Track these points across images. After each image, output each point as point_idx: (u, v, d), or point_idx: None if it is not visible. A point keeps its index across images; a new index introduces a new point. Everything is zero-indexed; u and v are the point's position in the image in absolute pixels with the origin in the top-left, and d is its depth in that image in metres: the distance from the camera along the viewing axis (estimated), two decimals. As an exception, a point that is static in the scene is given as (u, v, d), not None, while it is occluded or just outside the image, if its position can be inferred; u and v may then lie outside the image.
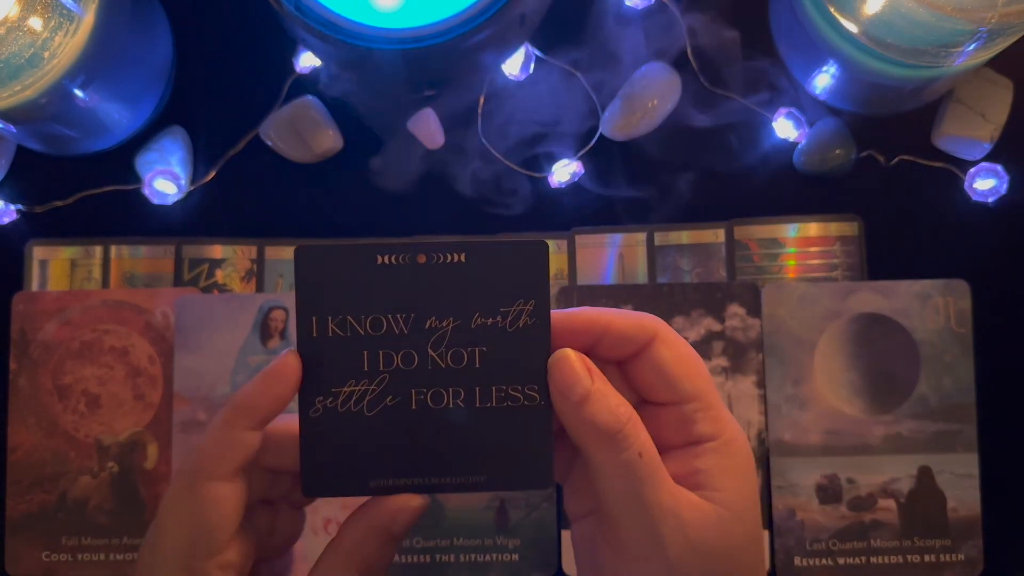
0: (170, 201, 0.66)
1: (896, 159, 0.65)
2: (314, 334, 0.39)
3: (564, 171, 0.65)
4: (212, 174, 0.66)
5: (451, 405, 0.39)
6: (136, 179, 0.66)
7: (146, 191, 0.65)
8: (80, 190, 0.66)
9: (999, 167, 0.64)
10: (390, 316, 0.39)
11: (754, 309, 0.63)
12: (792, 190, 0.65)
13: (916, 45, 0.54)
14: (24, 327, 0.64)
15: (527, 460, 0.40)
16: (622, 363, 0.41)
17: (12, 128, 0.61)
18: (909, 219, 0.65)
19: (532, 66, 0.65)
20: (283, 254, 0.66)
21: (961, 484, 0.62)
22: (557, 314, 0.40)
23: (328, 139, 0.65)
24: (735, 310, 0.63)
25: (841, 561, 0.62)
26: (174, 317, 0.64)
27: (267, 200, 0.66)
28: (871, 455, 0.62)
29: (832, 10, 0.56)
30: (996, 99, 0.65)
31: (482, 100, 0.66)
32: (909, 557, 0.62)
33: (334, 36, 0.55)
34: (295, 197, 0.66)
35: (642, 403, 0.40)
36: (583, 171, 0.65)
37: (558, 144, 0.65)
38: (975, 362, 0.63)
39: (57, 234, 0.66)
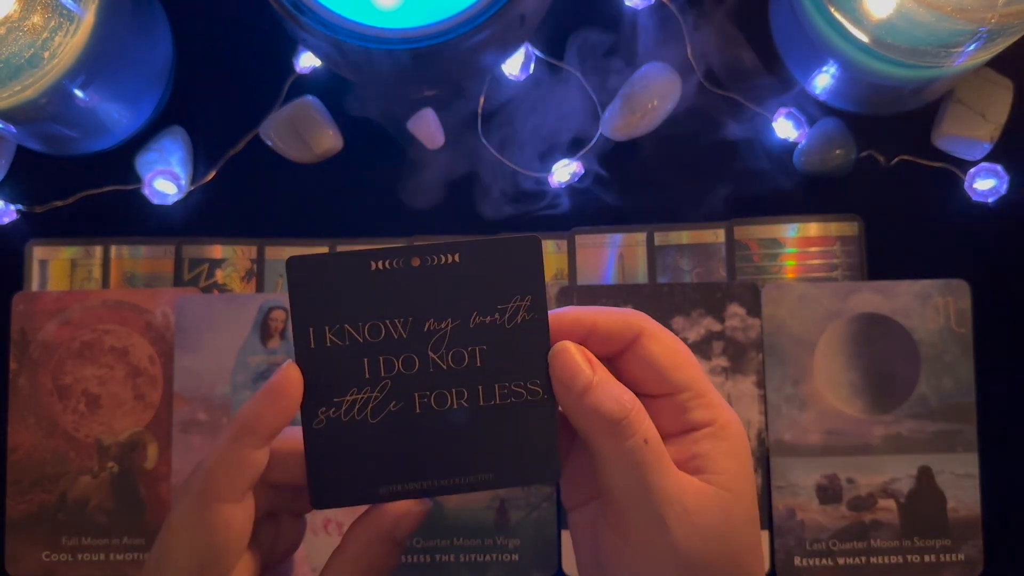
0: (170, 201, 0.66)
1: (896, 159, 0.65)
2: (312, 345, 0.39)
3: (564, 171, 0.65)
4: (212, 174, 0.66)
5: (455, 406, 0.39)
6: (136, 179, 0.66)
7: (146, 191, 0.65)
8: (80, 190, 0.66)
9: (999, 167, 0.64)
10: (388, 321, 0.39)
11: (754, 309, 0.63)
12: (792, 190, 0.65)
13: (916, 45, 0.54)
14: (24, 327, 0.64)
15: (534, 454, 0.40)
16: (612, 359, 0.41)
17: (12, 128, 0.61)
18: (909, 219, 0.65)
19: (532, 66, 0.65)
20: (283, 254, 0.66)
21: (961, 484, 0.62)
22: None
23: (328, 139, 0.65)
24: (735, 310, 0.64)
25: (841, 561, 0.62)
26: (174, 317, 0.64)
27: (267, 200, 0.66)
28: (871, 455, 0.62)
29: (832, 10, 0.56)
30: (996, 99, 0.65)
31: (482, 100, 0.66)
32: (909, 557, 0.62)
33: (334, 36, 0.55)
34: (295, 197, 0.66)
35: (635, 396, 0.41)
36: (583, 171, 0.65)
37: (558, 144, 0.65)
38: (975, 362, 0.63)
39: (57, 234, 0.66)
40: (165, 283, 0.65)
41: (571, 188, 0.65)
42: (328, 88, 0.66)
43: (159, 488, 0.63)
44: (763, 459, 0.63)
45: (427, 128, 0.66)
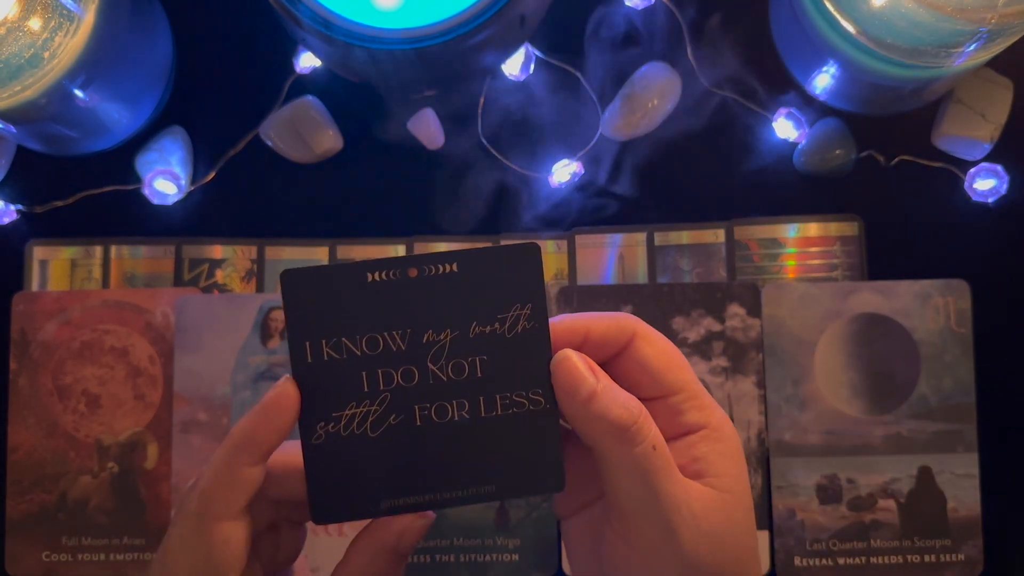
0: (170, 201, 0.66)
1: (896, 159, 0.65)
2: (309, 359, 0.38)
3: (564, 171, 0.65)
4: (212, 174, 0.66)
5: (456, 417, 0.39)
6: (136, 179, 0.66)
7: (146, 191, 0.65)
8: (80, 190, 0.66)
9: (999, 167, 0.64)
10: (386, 334, 0.39)
11: (754, 309, 0.63)
12: (792, 190, 0.65)
13: (916, 45, 0.54)
14: (24, 327, 0.64)
15: (538, 465, 0.39)
16: (605, 364, 0.41)
17: (12, 128, 0.61)
18: (909, 219, 0.65)
19: (532, 66, 0.65)
20: (283, 254, 0.66)
21: (961, 484, 0.62)
22: None
23: (328, 139, 0.65)
24: (735, 310, 0.64)
25: (841, 561, 0.62)
26: (174, 317, 0.64)
27: (267, 200, 0.66)
28: (871, 455, 0.62)
29: (832, 10, 0.56)
30: (996, 99, 0.65)
31: (482, 100, 0.66)
32: (909, 557, 0.62)
33: (334, 36, 0.55)
34: (295, 197, 0.66)
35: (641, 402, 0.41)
36: (583, 171, 0.65)
37: (558, 144, 0.65)
38: (975, 362, 0.63)
39: (57, 234, 0.66)
40: (165, 283, 0.65)
41: (571, 188, 0.65)
42: (328, 88, 0.66)
43: (159, 488, 0.63)
44: (763, 459, 0.63)
45: (427, 128, 0.66)
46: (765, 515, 0.62)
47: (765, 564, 0.62)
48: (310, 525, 0.42)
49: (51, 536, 0.63)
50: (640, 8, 0.65)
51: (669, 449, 0.39)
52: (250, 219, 0.66)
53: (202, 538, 0.38)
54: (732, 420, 0.62)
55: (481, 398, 0.39)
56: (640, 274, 0.65)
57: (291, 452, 0.40)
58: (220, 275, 0.65)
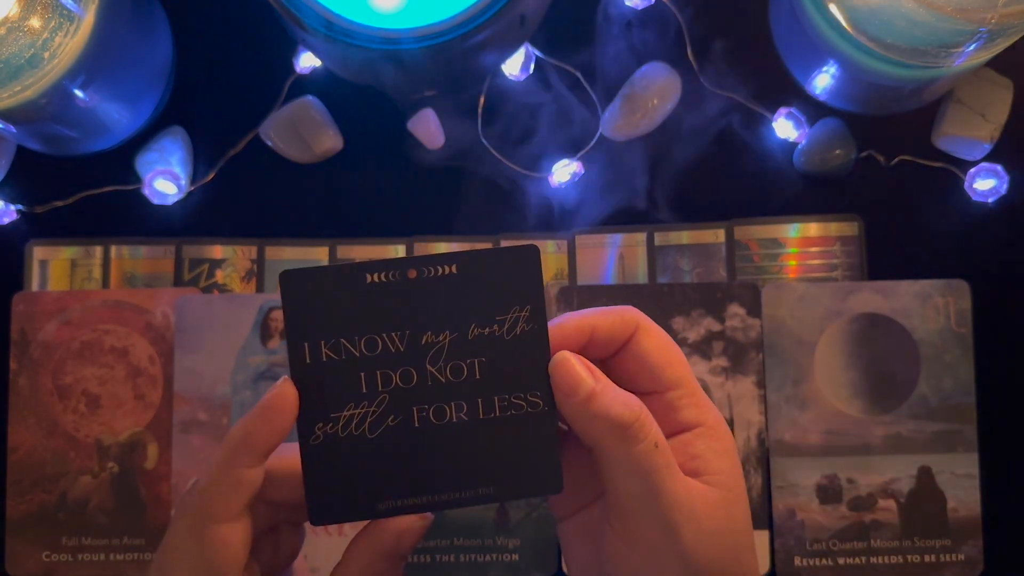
0: (170, 201, 0.66)
1: (896, 159, 0.65)
2: (307, 360, 0.38)
3: (564, 171, 0.65)
4: (212, 174, 0.66)
5: (454, 419, 0.39)
6: (136, 179, 0.66)
7: (146, 191, 0.65)
8: (80, 190, 0.66)
9: (999, 167, 0.64)
10: (385, 335, 0.39)
11: (754, 309, 0.63)
12: (792, 190, 0.65)
13: (916, 45, 0.54)
14: (24, 327, 0.64)
15: (536, 467, 0.39)
16: (606, 360, 0.41)
17: (12, 128, 0.61)
18: (909, 219, 0.65)
19: (532, 66, 0.65)
20: (283, 254, 0.66)
21: (961, 484, 0.62)
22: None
23: (328, 139, 0.65)
24: (735, 310, 0.63)
25: (841, 561, 0.62)
26: (174, 317, 0.64)
27: (267, 200, 0.66)
28: (871, 455, 0.62)
29: (832, 10, 0.56)
30: (996, 99, 0.65)
31: (482, 100, 0.66)
32: (909, 557, 0.62)
33: (334, 37, 0.55)
34: (295, 197, 0.66)
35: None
36: (583, 171, 0.65)
37: (558, 144, 0.65)
38: (975, 362, 0.63)
39: (57, 234, 0.66)
40: (165, 283, 0.65)
41: (571, 188, 0.65)
42: (328, 88, 0.66)
43: (159, 488, 0.63)
44: (763, 459, 0.63)
45: (427, 128, 0.66)
46: (765, 515, 0.62)
47: (765, 564, 0.62)
48: (309, 525, 0.42)
49: (51, 536, 0.63)
50: (640, 8, 0.65)
51: None
52: (250, 219, 0.66)
53: (201, 540, 0.38)
54: (732, 420, 0.62)
55: (479, 400, 0.39)
56: (640, 274, 0.65)
57: (290, 453, 0.40)
58: (220, 275, 0.65)
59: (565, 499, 0.42)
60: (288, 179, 0.66)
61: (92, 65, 0.57)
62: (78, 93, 0.58)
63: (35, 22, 0.54)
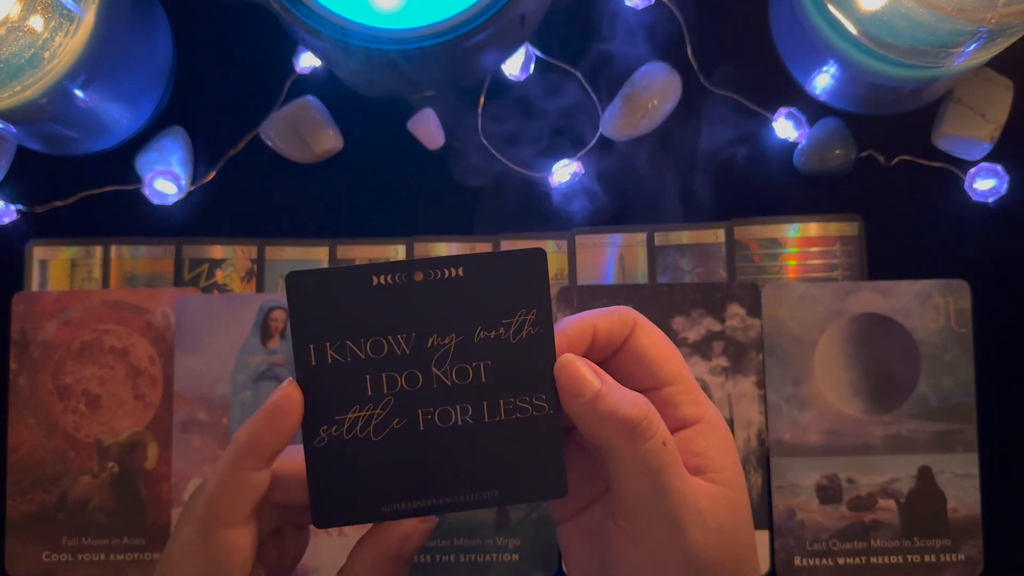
0: (170, 201, 0.66)
1: (896, 159, 0.65)
2: (313, 362, 0.38)
3: (564, 171, 0.65)
4: (212, 174, 0.66)
5: (459, 422, 0.39)
6: (136, 179, 0.66)
7: (146, 191, 0.65)
8: (80, 190, 0.66)
9: (999, 167, 0.64)
10: (390, 337, 0.38)
11: (754, 309, 0.63)
12: (792, 190, 0.65)
13: (916, 45, 0.54)
14: (24, 327, 0.64)
15: (541, 470, 0.39)
16: (605, 359, 0.41)
17: (12, 128, 0.61)
18: (909, 219, 0.65)
19: (532, 66, 0.65)
20: (283, 254, 0.66)
21: (961, 484, 0.62)
22: None
23: (328, 139, 0.65)
24: (735, 310, 0.64)
25: (841, 561, 0.62)
26: (174, 317, 0.64)
27: (267, 200, 0.66)
28: (871, 455, 0.62)
29: (832, 10, 0.56)
30: (996, 99, 0.65)
31: (482, 100, 0.66)
32: (909, 557, 0.62)
33: (334, 36, 0.55)
34: (295, 197, 0.66)
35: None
36: (583, 171, 0.65)
37: (558, 144, 0.65)
38: (975, 362, 0.63)
39: (57, 234, 0.66)
40: (165, 283, 0.65)
41: (571, 188, 0.65)
42: (328, 88, 0.66)
43: (159, 488, 0.63)
44: (763, 459, 0.63)
45: (427, 128, 0.66)
46: (765, 515, 0.62)
47: (765, 564, 0.62)
48: (312, 527, 0.42)
49: (51, 536, 0.63)
50: (640, 8, 0.65)
51: None
52: (250, 219, 0.66)
53: (207, 544, 0.38)
54: (732, 420, 0.62)
55: (485, 403, 0.39)
56: (640, 274, 0.65)
57: (295, 456, 0.40)
58: (220, 275, 0.65)
59: (565, 501, 0.42)
60: (288, 179, 0.66)
61: (92, 65, 0.57)
62: (78, 93, 0.58)
63: (35, 22, 0.54)
